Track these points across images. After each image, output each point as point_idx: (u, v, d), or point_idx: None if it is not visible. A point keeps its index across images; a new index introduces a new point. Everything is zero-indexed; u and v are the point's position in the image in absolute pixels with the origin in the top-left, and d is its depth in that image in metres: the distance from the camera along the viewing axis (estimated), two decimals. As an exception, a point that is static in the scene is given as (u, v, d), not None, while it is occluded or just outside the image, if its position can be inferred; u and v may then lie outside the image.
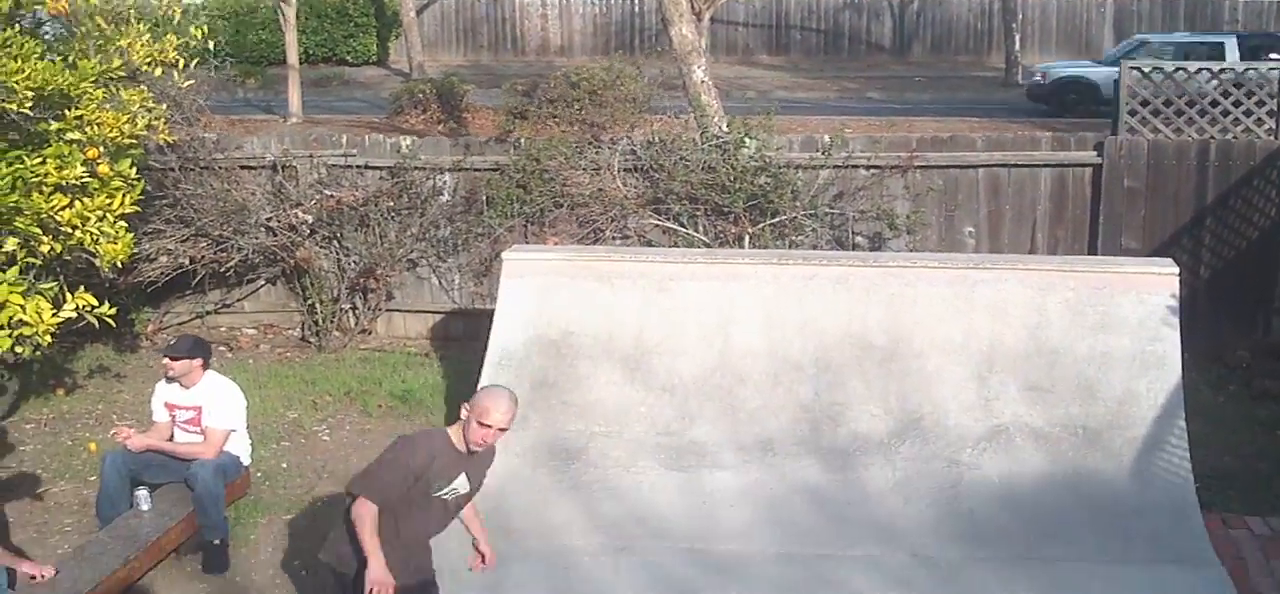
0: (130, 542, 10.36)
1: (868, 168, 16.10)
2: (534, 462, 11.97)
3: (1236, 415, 13.62)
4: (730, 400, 12.25)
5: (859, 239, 16.01)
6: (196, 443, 11.21)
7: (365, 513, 7.88)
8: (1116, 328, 12.01)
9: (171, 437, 11.38)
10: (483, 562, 9.33)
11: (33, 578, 9.63)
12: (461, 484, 8.29)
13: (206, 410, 11.22)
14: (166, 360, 11.24)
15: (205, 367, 11.32)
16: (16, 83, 10.80)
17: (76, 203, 11.28)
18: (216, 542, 10.82)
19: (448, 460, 8.17)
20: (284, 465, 12.89)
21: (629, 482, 11.70)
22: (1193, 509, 10.93)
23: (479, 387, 8.59)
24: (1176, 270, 12.29)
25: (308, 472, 12.75)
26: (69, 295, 11.30)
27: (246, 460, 11.65)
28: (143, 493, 10.90)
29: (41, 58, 10.88)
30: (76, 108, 11.32)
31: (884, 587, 10.04)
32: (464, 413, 8.15)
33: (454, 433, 8.24)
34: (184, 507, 10.91)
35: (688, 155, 15.94)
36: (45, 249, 11.26)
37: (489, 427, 8.11)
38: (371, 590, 7.73)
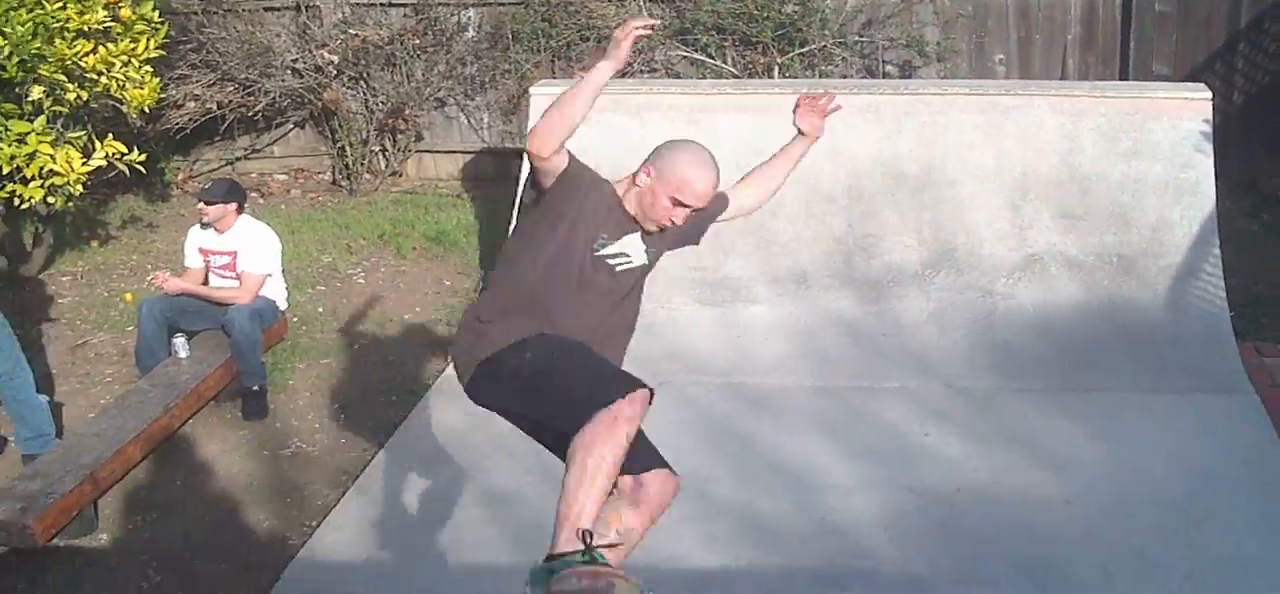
0: (170, 389, 10.43)
1: (897, -6, 15.98)
2: (568, 298, 12.03)
3: (1271, 242, 13.53)
4: (763, 234, 12.25)
5: (889, 68, 15.88)
6: (232, 287, 11.24)
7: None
8: (1149, 154, 11.98)
9: (206, 281, 11.40)
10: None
11: None
12: (635, 251, 6.33)
13: (242, 255, 11.21)
14: (201, 205, 11.22)
15: (240, 211, 11.30)
16: (31, -75, 10.77)
17: (100, 48, 11.28)
18: (255, 388, 10.86)
19: (611, 208, 6.26)
20: (320, 310, 12.92)
21: (663, 317, 11.74)
22: (1228, 338, 10.98)
23: (664, 143, 6.33)
24: (1209, 95, 12.21)
25: (344, 315, 12.76)
26: (98, 144, 11.36)
27: (283, 305, 11.68)
28: (180, 340, 10.95)
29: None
30: (93, -50, 11.29)
31: (919, 418, 10.07)
32: (645, 176, 6.25)
33: (624, 191, 6.35)
34: (221, 353, 10.97)
35: (714, -16, 15.82)
36: (72, 97, 11.28)
37: (686, 206, 6.23)
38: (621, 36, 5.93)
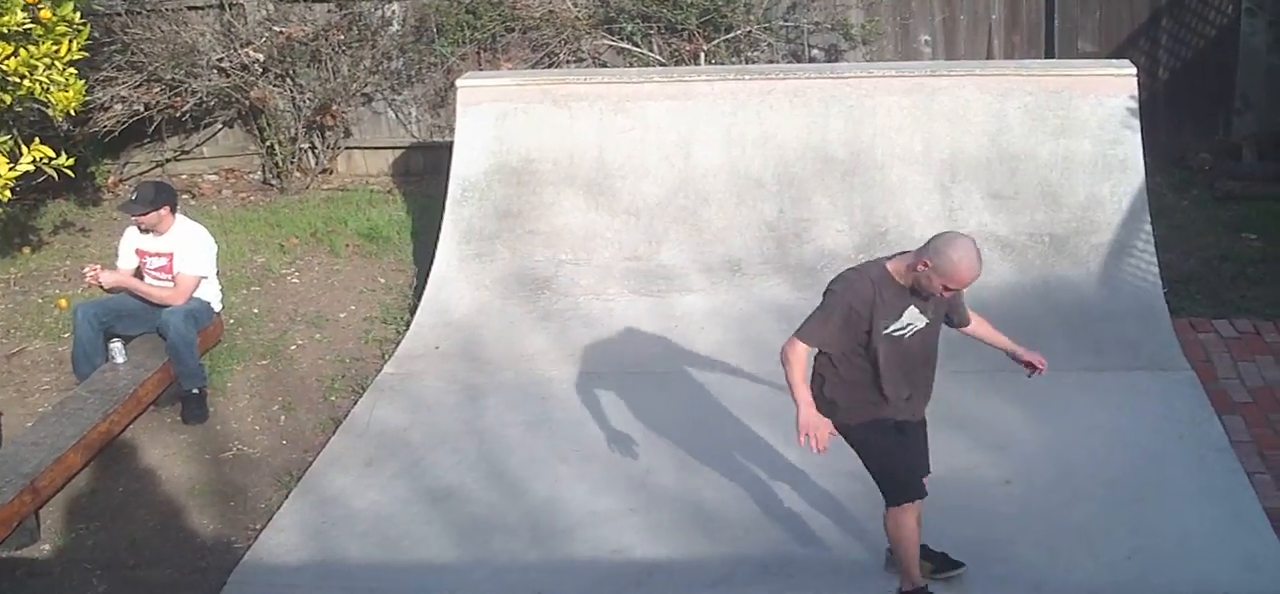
0: (108, 395, 10.36)
1: (820, -24, 16.00)
2: (504, 293, 12.09)
3: (1200, 218, 13.66)
4: (695, 221, 12.37)
5: (815, 52, 15.90)
6: (167, 288, 11.14)
7: (790, 354, 7.40)
8: (1077, 131, 12.10)
9: (140, 279, 11.30)
10: (1035, 368, 8.09)
11: None
12: (916, 318, 7.49)
13: (178, 256, 11.07)
14: (135, 219, 11.11)
15: (174, 211, 11.17)
16: (-58, -75, 10.66)
17: (21, 51, 11.19)
18: (195, 391, 10.80)
19: (892, 295, 7.39)
20: (255, 310, 12.85)
21: (599, 308, 11.84)
22: (1162, 314, 11.12)
23: (933, 239, 7.37)
24: (1134, 71, 12.33)
25: (280, 315, 12.71)
26: (25, 148, 11.27)
27: (217, 306, 11.55)
28: (117, 346, 10.87)
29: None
30: (10, -49, 11.18)
31: (858, 403, 10.14)
32: (923, 266, 7.23)
33: (896, 269, 7.42)
34: (159, 357, 10.89)
35: (637, -30, 15.80)
36: (-6, 101, 11.18)
37: (955, 290, 7.38)
38: (804, 436, 7.36)
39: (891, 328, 7.41)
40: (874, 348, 7.43)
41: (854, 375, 7.56)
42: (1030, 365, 8.04)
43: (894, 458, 7.69)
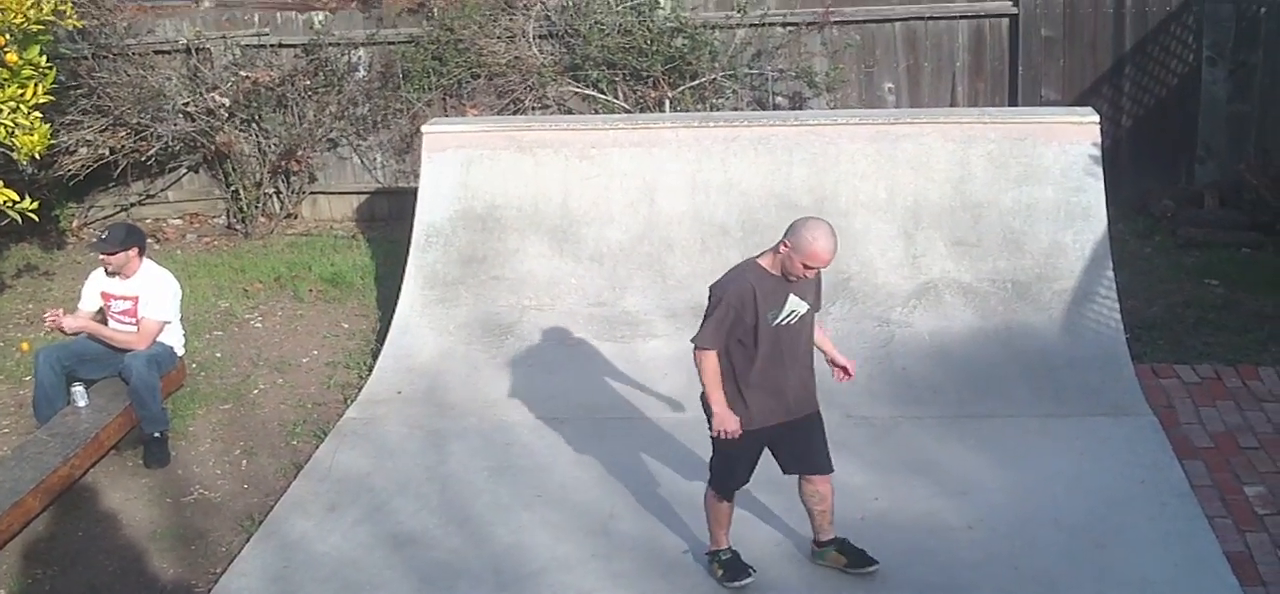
0: (69, 439, 10.32)
1: (784, 25, 15.96)
2: (468, 338, 12.07)
3: (1163, 265, 13.70)
4: (659, 268, 12.38)
5: (779, 99, 15.94)
6: (130, 333, 11.12)
7: (704, 361, 8.17)
8: (1040, 179, 12.12)
9: (104, 323, 11.27)
10: (846, 374, 8.80)
11: None
12: (798, 305, 8.17)
13: (143, 300, 11.08)
14: (103, 257, 11.09)
15: (141, 255, 11.17)
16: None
17: (-14, 94, 11.16)
18: (156, 435, 10.76)
19: (771, 286, 8.08)
20: (218, 355, 12.83)
21: (563, 355, 11.83)
22: (1124, 360, 11.12)
23: (792, 224, 8.10)
24: (1097, 118, 12.37)
25: (242, 360, 12.68)
26: (-12, 192, 11.21)
27: (180, 351, 11.55)
28: (79, 389, 10.84)
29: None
30: (-26, -7, 11.16)
31: (821, 448, 10.14)
32: (783, 249, 7.99)
33: (767, 263, 8.15)
34: (121, 401, 10.86)
35: (603, 18, 15.76)
36: (-43, 144, 11.14)
37: (815, 268, 8.04)
38: (719, 434, 8.18)
39: (779, 318, 8.10)
40: (759, 339, 8.11)
41: (733, 368, 8.22)
42: (842, 370, 8.77)
43: (732, 466, 8.44)
